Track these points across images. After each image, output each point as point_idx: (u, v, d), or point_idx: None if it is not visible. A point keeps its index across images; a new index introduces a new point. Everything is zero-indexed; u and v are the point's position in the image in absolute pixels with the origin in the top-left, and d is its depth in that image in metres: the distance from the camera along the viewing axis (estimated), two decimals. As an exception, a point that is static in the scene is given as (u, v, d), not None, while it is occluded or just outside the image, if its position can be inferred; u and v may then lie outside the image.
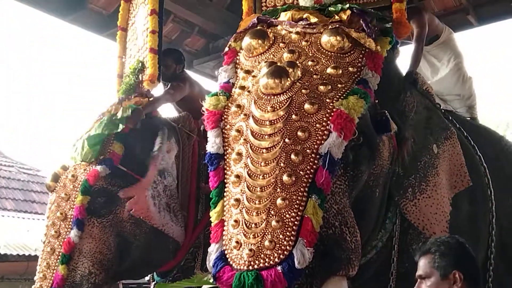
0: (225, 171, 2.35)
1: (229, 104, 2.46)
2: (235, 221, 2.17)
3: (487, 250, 3.08)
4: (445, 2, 6.90)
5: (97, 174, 3.67)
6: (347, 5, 2.68)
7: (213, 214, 2.31)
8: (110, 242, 3.64)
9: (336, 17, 2.65)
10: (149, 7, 4.08)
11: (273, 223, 2.09)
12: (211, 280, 2.20)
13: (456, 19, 6.88)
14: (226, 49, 2.75)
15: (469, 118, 4.34)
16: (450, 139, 2.93)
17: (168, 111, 4.67)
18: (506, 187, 3.29)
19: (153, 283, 4.14)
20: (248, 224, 2.13)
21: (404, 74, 2.99)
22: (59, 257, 3.54)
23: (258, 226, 2.11)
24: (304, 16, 2.67)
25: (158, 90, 4.34)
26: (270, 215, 2.11)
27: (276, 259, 2.04)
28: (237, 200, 2.21)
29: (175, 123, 4.14)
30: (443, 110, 3.32)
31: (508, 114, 15.97)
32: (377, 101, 2.46)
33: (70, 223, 3.59)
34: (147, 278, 4.86)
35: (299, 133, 2.21)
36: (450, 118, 3.26)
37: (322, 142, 2.20)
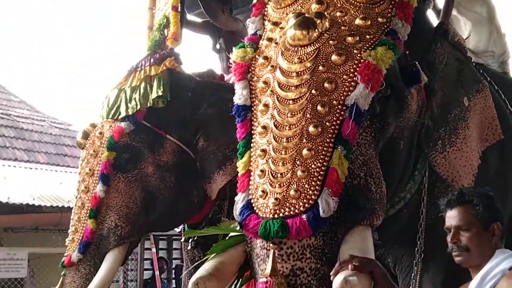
0: (252, 122, 2.37)
1: (257, 56, 2.46)
2: (262, 171, 2.20)
3: None
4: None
5: (122, 131, 3.77)
6: None
7: (240, 164, 2.34)
8: (135, 196, 3.75)
9: None
10: None
11: (299, 173, 2.11)
12: (238, 228, 2.25)
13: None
14: (254, 0, 2.74)
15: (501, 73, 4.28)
16: (482, 92, 2.88)
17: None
18: None
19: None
20: (274, 174, 2.16)
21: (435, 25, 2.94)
22: (88, 211, 3.66)
23: (284, 176, 2.14)
24: None
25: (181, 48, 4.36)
26: (296, 165, 2.13)
27: (301, 208, 2.08)
28: (264, 150, 2.23)
29: (200, 78, 4.16)
30: (474, 63, 3.26)
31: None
32: (407, 52, 2.44)
33: (97, 178, 3.71)
34: (177, 230, 4.99)
35: (326, 85, 2.21)
36: (481, 71, 3.20)
37: (349, 93, 2.20)
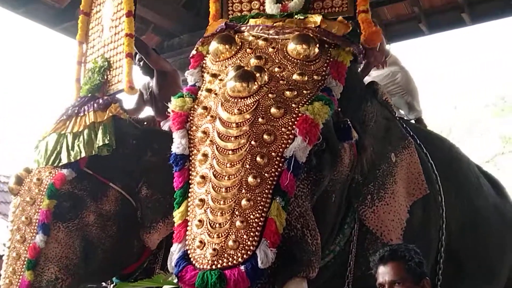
0: (190, 172, 2.38)
1: (195, 106, 2.49)
2: (200, 221, 2.21)
3: (437, 255, 3.19)
4: (397, 10, 7.13)
5: (64, 178, 3.58)
6: (317, 15, 2.77)
7: (177, 214, 2.34)
8: (76, 246, 3.55)
9: (310, 20, 2.73)
10: (125, 8, 3.92)
11: (238, 223, 2.14)
12: (175, 281, 2.22)
13: (408, 26, 7.13)
14: (193, 52, 2.79)
15: (416, 118, 4.67)
16: (408, 149, 3.02)
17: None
18: (456, 193, 3.42)
19: (112, 285, 4.10)
20: (212, 224, 2.17)
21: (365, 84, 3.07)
22: (25, 262, 3.44)
23: (222, 226, 2.15)
24: (275, 24, 2.73)
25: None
26: (235, 216, 2.15)
27: (240, 259, 2.09)
28: (202, 200, 2.24)
29: (139, 124, 4.10)
30: (398, 118, 3.42)
31: (451, 119, 16.52)
32: (339, 109, 2.54)
33: (36, 227, 3.49)
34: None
35: (265, 136, 2.27)
36: (405, 126, 3.36)
37: (287, 145, 2.26)
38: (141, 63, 4.81)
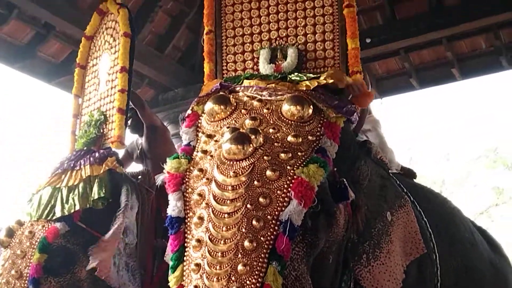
0: (186, 235, 2.36)
1: (191, 168, 2.49)
2: (195, 286, 2.17)
3: None
4: (388, 65, 7.28)
5: (57, 232, 3.54)
6: (310, 81, 2.81)
7: (172, 279, 2.29)
8: None
9: (302, 84, 2.77)
10: (119, 63, 4.00)
11: (233, 289, 2.10)
12: None
13: (399, 81, 7.27)
14: (189, 112, 2.81)
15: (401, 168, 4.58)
16: (404, 207, 3.01)
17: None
18: (450, 250, 3.40)
19: None
20: (208, 290, 2.13)
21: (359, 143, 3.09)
22: None
23: None
24: (268, 86, 2.77)
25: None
26: (231, 281, 2.12)
27: None
28: (198, 265, 2.21)
29: (134, 178, 4.09)
30: (392, 175, 3.42)
31: (443, 171, 16.61)
32: (335, 169, 2.55)
33: (26, 281, 3.43)
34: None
35: (261, 199, 2.26)
36: (398, 183, 3.36)
37: (283, 208, 2.25)
38: (129, 121, 4.81)
